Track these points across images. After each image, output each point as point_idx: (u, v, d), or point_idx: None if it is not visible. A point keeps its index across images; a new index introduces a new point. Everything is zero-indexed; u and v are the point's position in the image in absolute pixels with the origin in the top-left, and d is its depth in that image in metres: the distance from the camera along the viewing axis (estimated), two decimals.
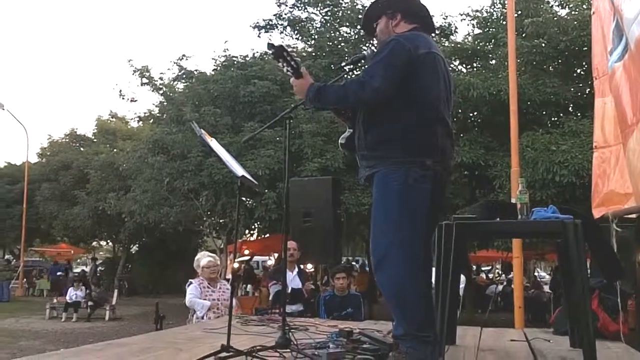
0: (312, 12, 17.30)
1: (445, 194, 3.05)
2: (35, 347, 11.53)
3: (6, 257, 30.58)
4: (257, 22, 17.44)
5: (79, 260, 41.60)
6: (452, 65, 14.44)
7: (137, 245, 28.80)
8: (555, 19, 13.12)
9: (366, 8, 3.21)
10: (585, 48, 11.59)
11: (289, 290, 6.15)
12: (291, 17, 17.19)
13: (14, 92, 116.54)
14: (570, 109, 13.55)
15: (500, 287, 19.65)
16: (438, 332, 2.89)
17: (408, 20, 3.00)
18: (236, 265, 18.41)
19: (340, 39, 16.72)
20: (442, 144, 2.82)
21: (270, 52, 2.89)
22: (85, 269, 29.91)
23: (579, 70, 13.90)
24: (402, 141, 2.76)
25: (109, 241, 31.10)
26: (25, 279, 26.50)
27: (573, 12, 13.34)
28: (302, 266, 7.06)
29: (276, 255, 18.74)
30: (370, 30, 3.13)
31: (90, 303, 16.91)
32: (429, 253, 2.92)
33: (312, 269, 12.46)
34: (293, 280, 6.45)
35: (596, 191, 5.02)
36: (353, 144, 3.04)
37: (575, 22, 12.47)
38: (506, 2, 7.87)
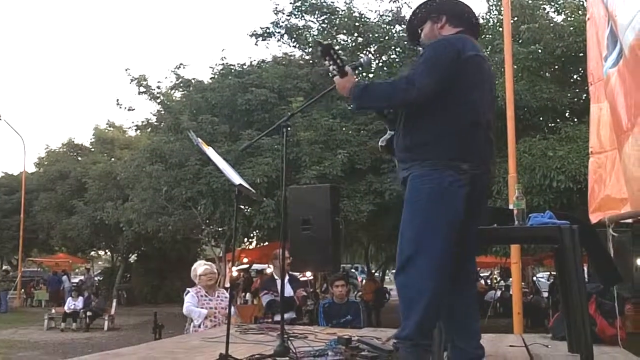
0: (309, 20, 17.35)
1: (485, 200, 2.97)
2: (33, 357, 11.52)
3: (4, 267, 30.51)
4: (255, 30, 17.49)
5: (77, 270, 41.47)
6: None
7: (135, 254, 28.74)
8: (551, 25, 13.14)
9: (410, 15, 3.17)
10: (582, 54, 11.61)
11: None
12: (288, 25, 17.23)
13: (11, 102, 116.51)
14: (567, 114, 13.57)
15: (498, 293, 19.65)
16: (437, 338, 2.89)
17: (453, 24, 2.96)
18: (235, 273, 18.41)
19: (337, 46, 16.75)
20: (480, 148, 2.77)
21: (318, 50, 2.90)
22: (84, 279, 29.84)
23: (575, 76, 13.92)
24: (439, 144, 2.71)
25: (107, 251, 31.06)
26: (23, 290, 26.43)
27: (569, 18, 13.37)
28: (298, 274, 7.05)
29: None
30: (415, 37, 3.10)
31: (88, 313, 16.88)
32: (462, 260, 2.83)
33: (311, 277, 12.45)
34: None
35: (592, 196, 5.02)
36: (393, 146, 2.98)
37: (572, 28, 12.50)
38: (502, 8, 7.91)
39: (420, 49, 3.06)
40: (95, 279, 29.66)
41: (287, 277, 6.52)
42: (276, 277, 6.51)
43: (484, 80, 2.83)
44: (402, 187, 2.90)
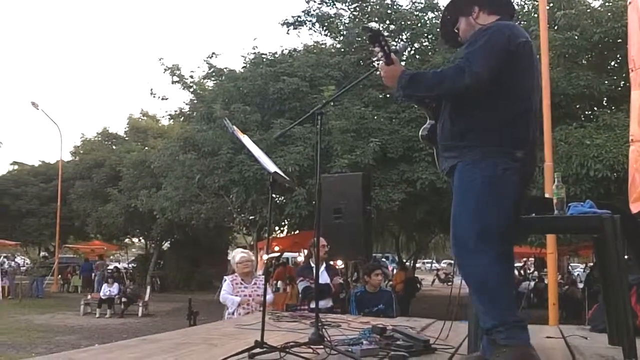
0: (341, 8, 17.28)
1: (529, 188, 2.94)
2: (70, 342, 11.75)
3: (42, 253, 31.22)
4: (286, 19, 17.51)
5: (111, 257, 42.26)
6: None
7: (168, 242, 29.12)
8: (588, 10, 12.87)
9: (440, 20, 3.12)
10: (620, 40, 11.36)
11: None
12: (320, 14, 17.18)
13: (48, 92, 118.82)
14: (604, 102, 13.29)
15: (532, 284, 19.39)
16: (472, 331, 2.85)
17: (487, 11, 2.87)
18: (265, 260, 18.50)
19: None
20: (532, 136, 2.74)
21: (367, 35, 2.78)
22: (119, 266, 30.36)
23: (612, 63, 13.62)
24: (491, 131, 2.67)
25: (141, 238, 31.54)
26: (60, 276, 27.02)
27: (607, 4, 13.07)
28: (331, 262, 7.04)
29: (306, 251, 18.73)
30: (452, 38, 3.04)
31: (123, 299, 17.18)
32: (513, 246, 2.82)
33: (342, 266, 12.44)
34: (321, 275, 6.42)
35: (633, 185, 4.89)
36: (435, 136, 2.92)
37: (609, 14, 12.22)
38: None
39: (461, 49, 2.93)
40: (113, 266, 30.03)
41: (324, 265, 6.54)
42: (312, 264, 6.50)
43: (533, 66, 2.80)
44: (447, 176, 2.84)
